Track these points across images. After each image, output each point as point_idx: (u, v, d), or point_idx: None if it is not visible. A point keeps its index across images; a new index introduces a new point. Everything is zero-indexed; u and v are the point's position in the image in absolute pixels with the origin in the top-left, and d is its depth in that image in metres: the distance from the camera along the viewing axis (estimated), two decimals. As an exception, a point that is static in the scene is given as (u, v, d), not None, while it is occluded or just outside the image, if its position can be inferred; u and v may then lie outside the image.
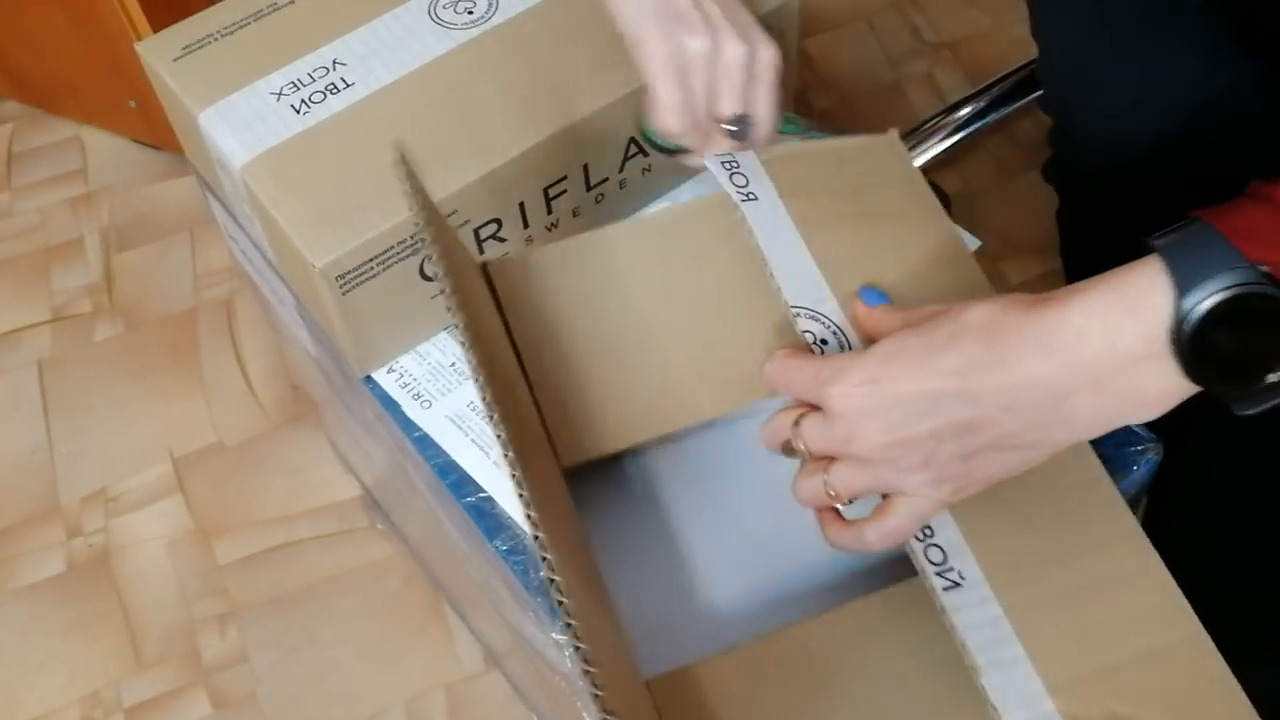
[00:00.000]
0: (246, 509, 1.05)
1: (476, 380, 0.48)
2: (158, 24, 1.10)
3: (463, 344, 0.49)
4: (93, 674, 0.97)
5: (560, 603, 0.42)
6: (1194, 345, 0.41)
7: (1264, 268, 0.40)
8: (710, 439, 0.62)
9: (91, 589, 1.01)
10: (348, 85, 0.67)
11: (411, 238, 0.63)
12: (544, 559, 0.43)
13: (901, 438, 0.45)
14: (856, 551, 0.51)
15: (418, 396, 0.67)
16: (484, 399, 0.47)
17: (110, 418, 1.12)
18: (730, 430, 0.62)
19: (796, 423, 0.49)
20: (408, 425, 0.66)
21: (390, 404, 0.67)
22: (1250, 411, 0.43)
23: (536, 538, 0.43)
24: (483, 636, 0.93)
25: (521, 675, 0.84)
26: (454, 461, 0.65)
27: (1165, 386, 0.42)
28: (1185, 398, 0.43)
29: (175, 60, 0.69)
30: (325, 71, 0.67)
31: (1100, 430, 0.46)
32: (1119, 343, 0.42)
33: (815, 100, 0.89)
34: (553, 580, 0.42)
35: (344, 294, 0.62)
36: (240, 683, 0.96)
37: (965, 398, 0.44)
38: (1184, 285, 0.41)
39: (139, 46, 0.70)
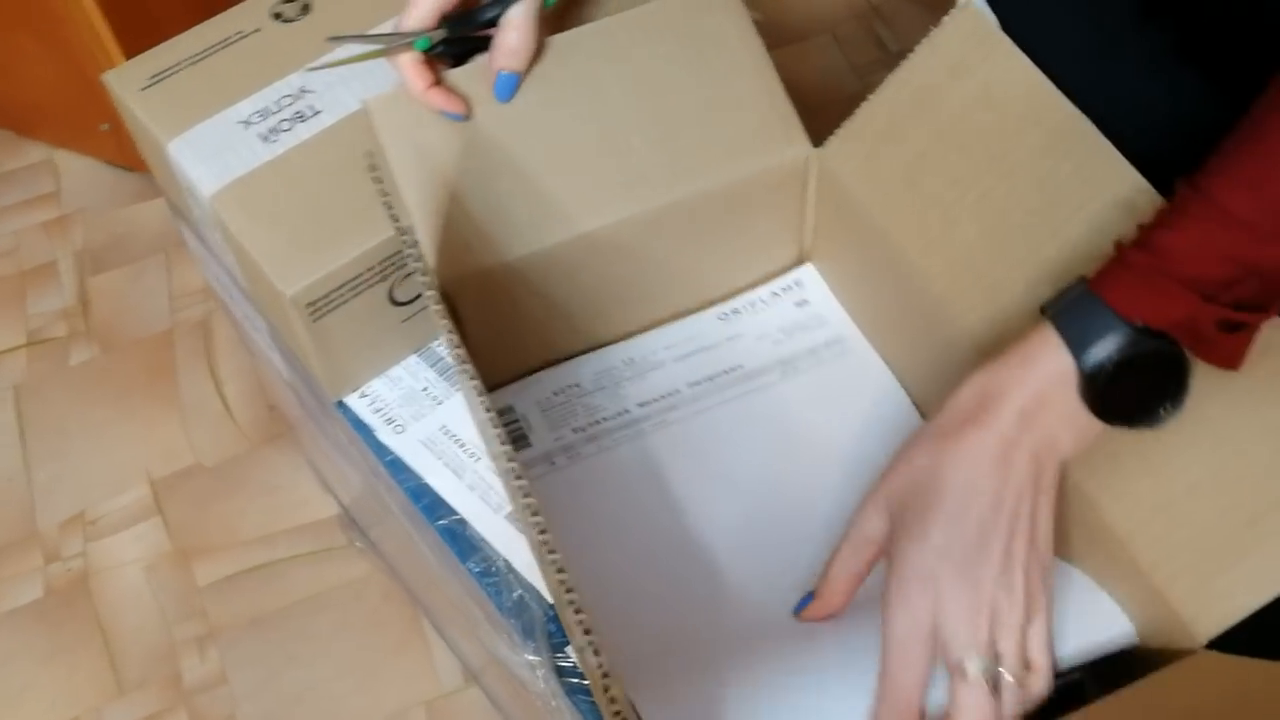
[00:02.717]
0: (225, 530, 1.06)
1: (471, 384, 0.48)
2: (128, 47, 1.11)
3: (452, 345, 0.50)
4: (74, 700, 0.97)
5: (576, 610, 0.42)
6: (1098, 397, 0.49)
7: (1140, 324, 0.47)
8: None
9: (71, 614, 1.02)
10: (315, 113, 0.67)
11: (381, 264, 0.63)
12: (552, 561, 0.43)
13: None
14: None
15: (390, 421, 0.68)
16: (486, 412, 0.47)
17: (87, 441, 1.12)
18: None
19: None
20: (380, 450, 0.67)
21: (363, 428, 0.68)
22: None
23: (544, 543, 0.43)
24: (461, 653, 0.94)
25: (499, 691, 0.85)
26: (427, 485, 0.65)
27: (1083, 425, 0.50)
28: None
29: (143, 89, 0.69)
30: (293, 100, 0.68)
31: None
32: (1039, 394, 0.49)
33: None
34: (562, 582, 0.42)
35: (314, 321, 0.63)
36: (221, 705, 0.96)
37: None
38: (1077, 349, 0.48)
39: (107, 77, 0.70)
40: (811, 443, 0.67)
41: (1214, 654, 0.50)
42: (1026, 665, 0.50)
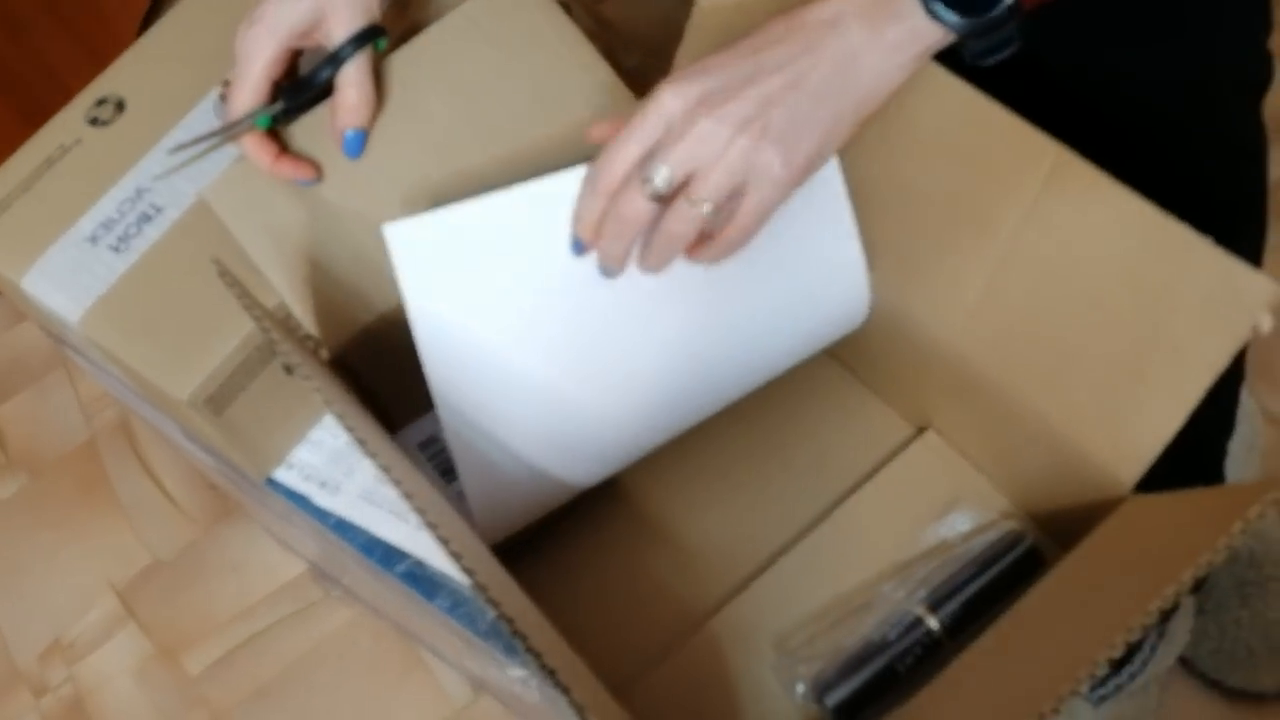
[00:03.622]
0: (202, 616, 1.06)
1: (372, 458, 0.49)
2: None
3: (344, 425, 0.51)
4: (104, 821, 0.98)
5: (515, 633, 0.43)
6: None
7: None
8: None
9: (76, 740, 1.02)
10: (158, 211, 0.67)
11: (266, 342, 0.63)
12: (495, 610, 0.44)
13: (732, 109, 0.48)
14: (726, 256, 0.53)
15: (324, 484, 0.68)
16: (381, 467, 0.48)
17: (42, 569, 1.11)
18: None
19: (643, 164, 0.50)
20: (321, 515, 0.68)
21: (298, 499, 0.69)
22: (983, 60, 0.49)
23: (481, 590, 0.44)
24: (462, 669, 0.96)
25: (506, 697, 0.87)
26: (375, 538, 0.66)
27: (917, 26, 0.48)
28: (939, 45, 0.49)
29: (-18, 231, 0.68)
30: (132, 203, 0.67)
31: (882, 92, 0.50)
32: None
33: (623, 60, 0.90)
34: (502, 615, 0.43)
35: (218, 415, 0.63)
36: (249, 783, 0.97)
37: (774, 62, 0.48)
38: None
39: (-58, 230, 0.69)
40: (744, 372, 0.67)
41: (1141, 496, 0.53)
42: (727, 214, 0.51)
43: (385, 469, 0.46)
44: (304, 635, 1.03)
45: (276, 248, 0.60)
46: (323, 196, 0.61)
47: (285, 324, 0.60)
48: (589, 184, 0.52)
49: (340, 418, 0.50)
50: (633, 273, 0.55)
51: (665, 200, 0.50)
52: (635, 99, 0.66)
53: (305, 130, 0.61)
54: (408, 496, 0.46)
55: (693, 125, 0.48)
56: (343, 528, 0.67)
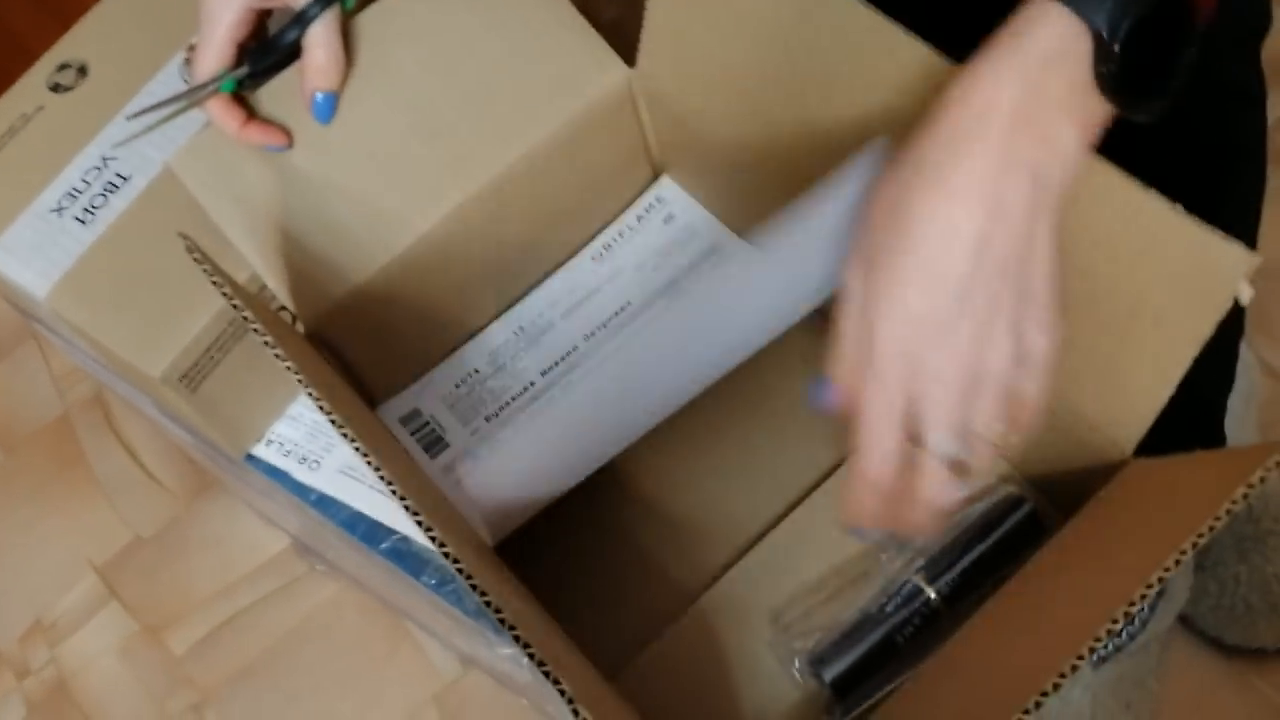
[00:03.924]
0: (184, 594, 1.04)
1: (345, 437, 0.47)
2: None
3: (319, 406, 0.49)
4: (90, 802, 0.97)
5: (504, 622, 0.42)
6: (1115, 60, 0.40)
7: None
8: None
9: (60, 721, 1.00)
10: (125, 179, 0.64)
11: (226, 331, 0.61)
12: (474, 589, 0.42)
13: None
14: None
15: (303, 460, 0.67)
16: (358, 450, 0.46)
17: (19, 548, 1.09)
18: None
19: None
20: (301, 490, 0.66)
21: (278, 474, 0.67)
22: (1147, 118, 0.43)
23: (468, 580, 0.43)
24: (451, 645, 0.94)
25: (497, 674, 0.85)
26: (359, 513, 0.64)
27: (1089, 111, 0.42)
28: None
29: (-57, 206, 0.66)
30: (98, 171, 0.65)
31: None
32: (1034, 81, 0.41)
33: (601, 13, 0.87)
34: (489, 603, 0.42)
35: (194, 391, 0.61)
36: (236, 761, 0.96)
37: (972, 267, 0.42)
38: (1094, 21, 0.40)
39: (-100, 202, 0.66)
40: (724, 353, 0.66)
41: (1142, 460, 0.51)
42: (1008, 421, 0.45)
43: (364, 454, 0.44)
44: (288, 612, 1.02)
45: (247, 218, 0.58)
46: (293, 163, 0.59)
47: (258, 298, 0.58)
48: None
49: (315, 398, 0.48)
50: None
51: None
52: (613, 53, 0.64)
53: (273, 94, 0.59)
54: (388, 484, 0.44)
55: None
56: (324, 503, 0.65)
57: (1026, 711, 0.39)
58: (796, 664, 0.57)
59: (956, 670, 0.51)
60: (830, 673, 0.56)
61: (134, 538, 1.07)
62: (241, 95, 0.59)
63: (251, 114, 0.59)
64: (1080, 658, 0.40)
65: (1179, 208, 0.45)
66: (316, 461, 0.66)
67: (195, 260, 0.51)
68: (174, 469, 1.10)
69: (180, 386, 0.60)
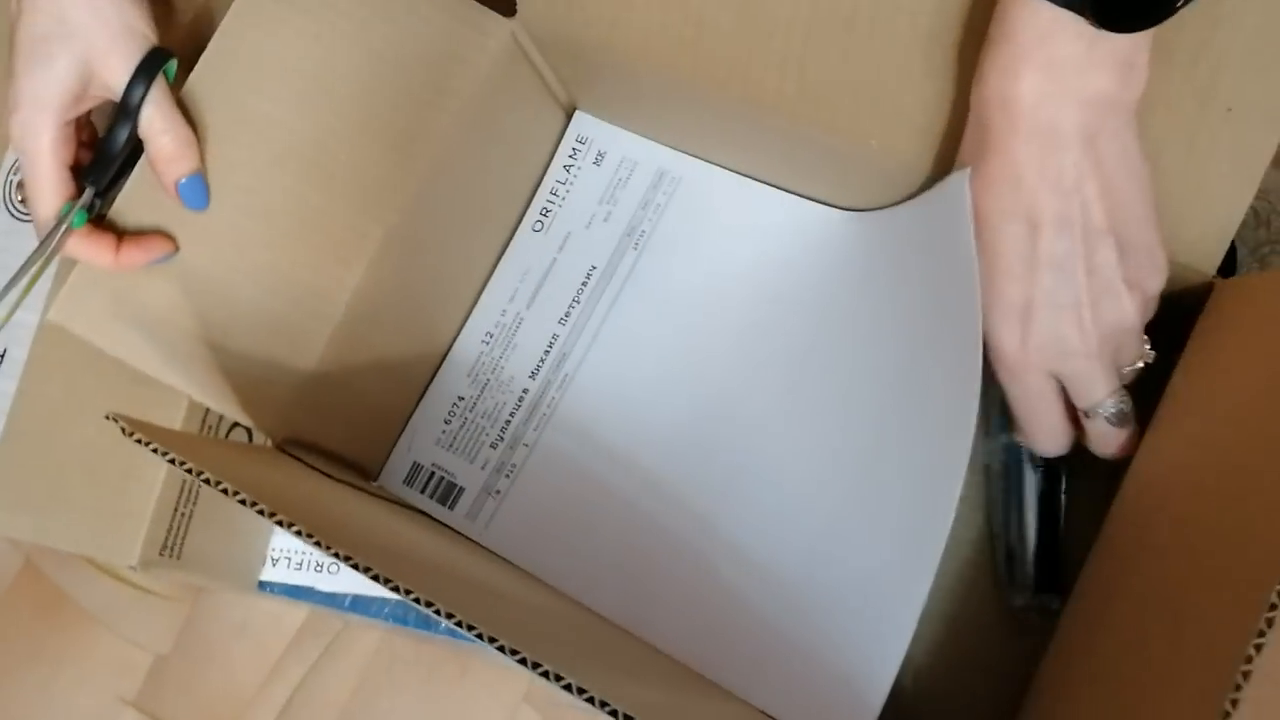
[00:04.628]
0: (233, 693, 0.98)
1: (343, 561, 0.41)
2: None
3: (294, 532, 0.42)
4: None
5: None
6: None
7: None
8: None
9: None
10: (2, 356, 0.55)
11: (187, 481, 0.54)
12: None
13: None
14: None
15: (320, 567, 0.60)
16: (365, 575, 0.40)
17: (46, 713, 1.02)
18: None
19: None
20: (332, 600, 0.60)
21: (301, 592, 0.61)
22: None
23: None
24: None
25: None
26: (405, 602, 0.59)
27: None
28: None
29: None
30: (-35, 360, 0.56)
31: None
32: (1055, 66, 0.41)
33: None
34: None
35: (179, 558, 0.54)
36: (356, 833, 0.92)
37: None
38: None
39: None
40: (724, 293, 0.60)
41: (1230, 280, 0.46)
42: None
43: (361, 568, 0.39)
44: (345, 670, 0.97)
45: (162, 348, 0.50)
46: (189, 267, 0.50)
47: (207, 441, 0.51)
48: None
49: (287, 525, 0.41)
50: None
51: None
52: (487, 11, 0.55)
53: (133, 202, 0.50)
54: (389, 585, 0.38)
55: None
56: (361, 604, 0.60)
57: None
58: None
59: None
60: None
61: (155, 658, 1.01)
62: (101, 218, 0.50)
63: (121, 235, 0.50)
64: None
65: None
66: (335, 567, 0.60)
67: (137, 442, 0.43)
68: (163, 574, 1.03)
69: (164, 560, 0.53)
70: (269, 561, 0.61)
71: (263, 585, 0.61)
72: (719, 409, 0.57)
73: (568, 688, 0.33)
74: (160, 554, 0.53)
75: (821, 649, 0.52)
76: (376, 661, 0.96)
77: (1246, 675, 0.31)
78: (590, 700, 0.33)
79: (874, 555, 0.52)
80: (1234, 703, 0.31)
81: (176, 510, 0.53)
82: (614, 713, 0.33)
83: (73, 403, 0.54)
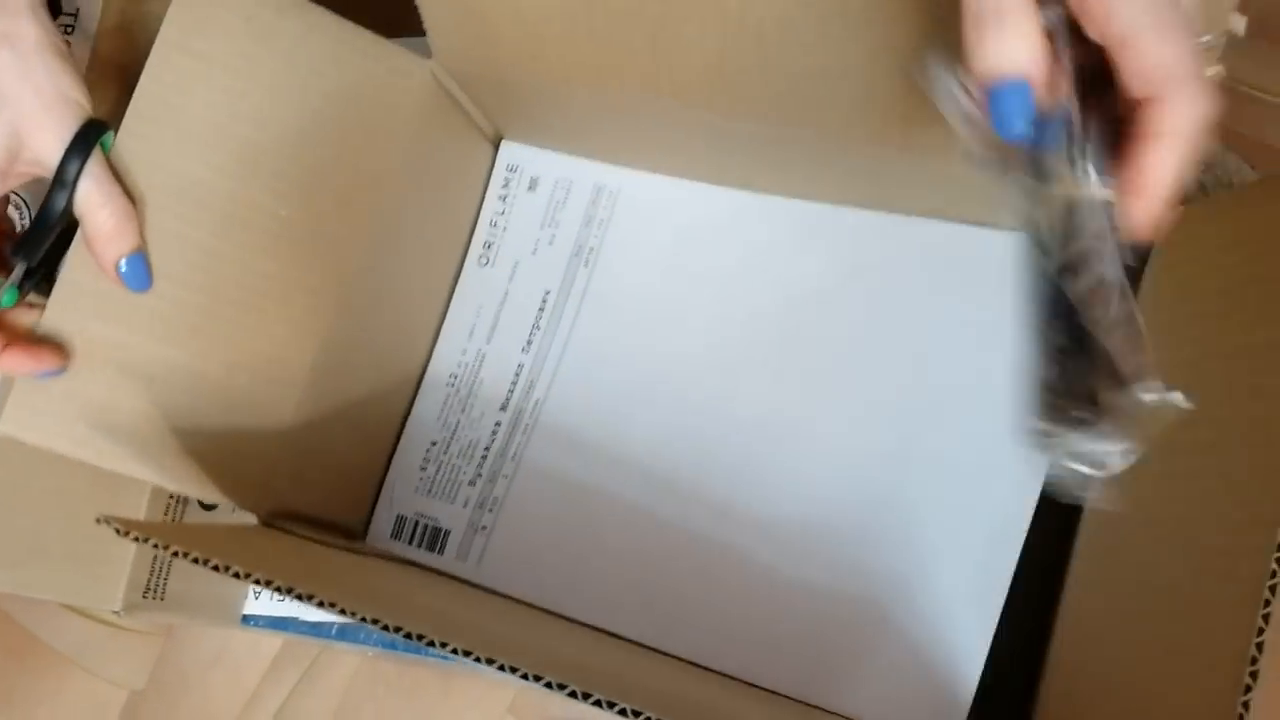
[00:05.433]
0: (212, 724, 0.98)
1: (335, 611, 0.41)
2: None
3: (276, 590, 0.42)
4: None
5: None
6: None
7: None
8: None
9: None
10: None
11: (164, 517, 0.53)
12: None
13: None
14: None
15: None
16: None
17: (19, 756, 1.01)
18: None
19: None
20: (317, 630, 0.60)
21: (285, 624, 0.60)
22: None
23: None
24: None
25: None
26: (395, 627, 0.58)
27: None
28: None
29: None
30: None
31: None
32: None
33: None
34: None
35: (163, 599, 0.54)
36: None
37: None
38: None
39: None
40: (684, 294, 0.60)
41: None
42: None
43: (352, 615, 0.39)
44: (325, 694, 0.96)
45: (129, 447, 0.48)
46: (141, 354, 0.49)
47: (196, 525, 0.50)
48: None
49: (269, 584, 0.41)
50: None
51: None
52: (406, 52, 0.54)
53: (70, 289, 0.48)
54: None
55: None
56: (349, 633, 0.59)
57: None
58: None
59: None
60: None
61: (130, 694, 1.00)
62: (31, 302, 0.48)
63: (9, 337, 0.47)
64: None
65: None
66: (319, 594, 0.60)
67: (134, 540, 0.43)
68: (145, 616, 1.01)
69: (148, 602, 0.53)
70: (251, 595, 0.61)
71: (246, 619, 0.60)
72: (709, 402, 0.57)
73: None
74: (144, 596, 0.52)
75: (896, 637, 0.49)
76: (358, 685, 0.95)
77: None
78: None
79: (950, 534, 0.50)
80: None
81: (155, 561, 0.53)
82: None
83: (43, 453, 0.53)
